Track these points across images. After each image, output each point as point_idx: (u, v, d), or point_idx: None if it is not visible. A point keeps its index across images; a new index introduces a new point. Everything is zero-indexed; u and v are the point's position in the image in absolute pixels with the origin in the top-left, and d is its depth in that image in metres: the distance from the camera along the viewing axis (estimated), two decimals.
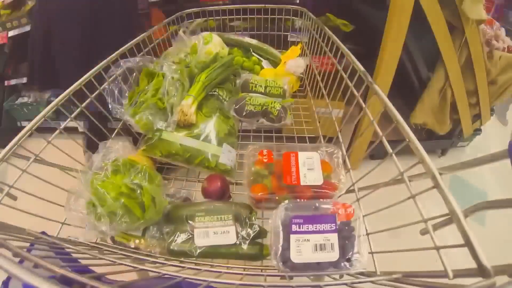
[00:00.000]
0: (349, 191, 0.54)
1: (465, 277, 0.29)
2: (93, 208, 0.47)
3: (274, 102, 0.81)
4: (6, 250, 0.30)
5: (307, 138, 0.86)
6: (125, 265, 0.40)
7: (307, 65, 1.03)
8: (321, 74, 0.89)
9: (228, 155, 0.70)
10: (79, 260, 0.42)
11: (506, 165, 0.29)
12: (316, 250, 0.42)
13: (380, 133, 0.47)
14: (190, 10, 1.09)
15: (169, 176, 0.76)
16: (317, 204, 0.44)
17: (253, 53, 1.06)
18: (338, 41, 0.70)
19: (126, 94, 0.72)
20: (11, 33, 1.80)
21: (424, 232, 0.36)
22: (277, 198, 0.52)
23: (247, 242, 0.51)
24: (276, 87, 0.87)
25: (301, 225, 0.42)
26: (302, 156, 0.54)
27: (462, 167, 0.35)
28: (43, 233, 0.45)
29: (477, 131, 1.80)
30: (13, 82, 1.94)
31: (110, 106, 0.68)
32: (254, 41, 1.07)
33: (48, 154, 0.54)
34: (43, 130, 0.50)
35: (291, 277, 0.44)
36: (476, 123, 1.68)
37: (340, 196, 0.53)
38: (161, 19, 1.32)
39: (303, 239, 0.42)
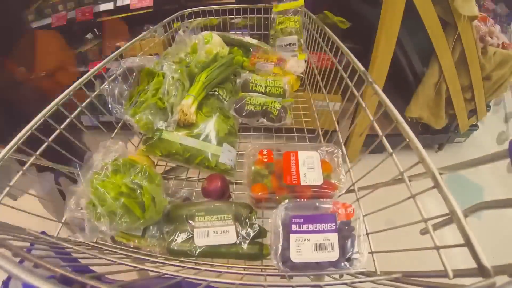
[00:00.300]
0: (349, 190, 0.54)
1: (465, 277, 0.29)
2: (93, 208, 0.47)
3: (274, 102, 0.82)
4: (6, 250, 0.30)
5: (305, 130, 0.88)
6: (125, 264, 0.40)
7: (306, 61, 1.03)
8: (318, 68, 0.91)
9: (228, 154, 0.70)
10: (79, 260, 0.42)
11: (503, 161, 0.29)
12: (316, 249, 0.42)
13: (380, 133, 0.47)
14: (190, 9, 1.09)
15: (169, 176, 0.76)
16: (317, 204, 0.44)
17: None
18: (338, 41, 0.70)
19: (126, 94, 0.71)
20: None
21: (424, 232, 0.36)
22: (277, 197, 0.52)
23: (247, 241, 0.51)
24: (276, 87, 0.87)
25: (301, 225, 0.42)
26: (302, 155, 0.54)
27: (462, 166, 0.34)
28: (43, 233, 0.45)
29: (474, 126, 1.81)
30: None
31: (110, 106, 0.68)
32: (254, 41, 1.07)
33: None
34: None
35: (291, 277, 0.44)
36: (472, 118, 1.69)
37: (340, 195, 0.53)
38: (120, 24, 1.29)
39: (303, 239, 0.42)
